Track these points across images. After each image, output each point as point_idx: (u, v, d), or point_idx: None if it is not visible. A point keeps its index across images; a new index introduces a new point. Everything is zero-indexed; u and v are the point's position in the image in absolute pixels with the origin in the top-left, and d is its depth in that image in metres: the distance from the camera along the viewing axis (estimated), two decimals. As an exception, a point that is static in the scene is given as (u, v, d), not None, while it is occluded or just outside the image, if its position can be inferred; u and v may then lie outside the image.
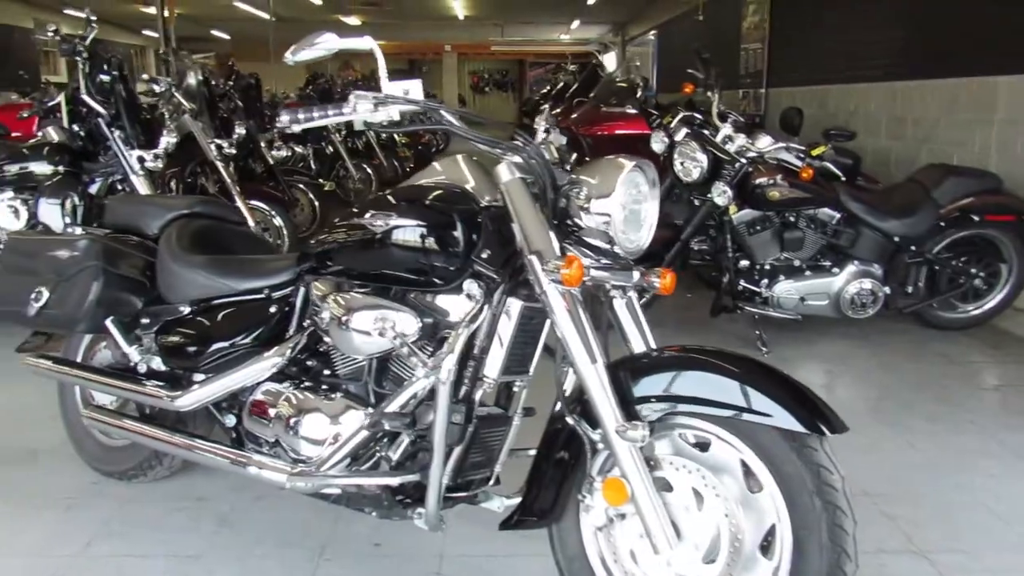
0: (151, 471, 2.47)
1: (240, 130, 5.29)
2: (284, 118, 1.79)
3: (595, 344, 1.64)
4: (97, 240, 2.21)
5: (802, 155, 3.73)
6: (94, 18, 3.90)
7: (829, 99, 7.16)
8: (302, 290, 2.11)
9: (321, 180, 7.17)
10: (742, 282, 3.87)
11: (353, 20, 17.66)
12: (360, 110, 1.77)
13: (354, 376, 1.99)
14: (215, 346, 2.13)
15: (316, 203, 6.38)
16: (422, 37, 21.36)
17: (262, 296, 2.15)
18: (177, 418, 2.29)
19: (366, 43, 1.78)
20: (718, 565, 1.57)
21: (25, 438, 2.90)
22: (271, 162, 6.16)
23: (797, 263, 3.91)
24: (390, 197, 1.90)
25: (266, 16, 14.61)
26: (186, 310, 2.21)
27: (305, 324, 2.11)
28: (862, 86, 6.54)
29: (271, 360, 2.05)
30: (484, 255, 1.79)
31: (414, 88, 1.79)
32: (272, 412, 2.02)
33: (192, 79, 4.79)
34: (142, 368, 2.27)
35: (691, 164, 3.71)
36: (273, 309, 2.12)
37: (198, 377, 2.20)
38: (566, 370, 1.74)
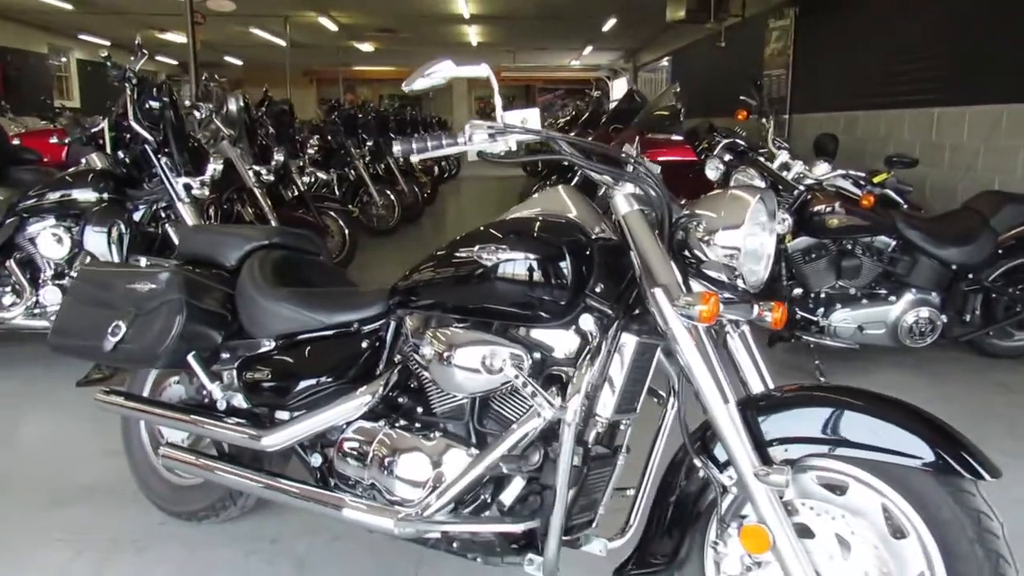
0: (223, 512, 2.38)
1: (279, 156, 5.26)
2: (399, 148, 1.74)
3: (726, 383, 1.57)
4: (178, 272, 2.15)
5: (863, 182, 3.68)
6: (139, 42, 3.86)
7: (857, 125, 7.14)
8: (392, 324, 2.05)
9: (349, 206, 7.12)
10: (798, 311, 3.80)
11: (367, 47, 17.77)
12: (476, 140, 1.72)
13: (453, 414, 1.91)
14: (303, 383, 2.06)
15: (346, 230, 6.33)
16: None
17: (350, 331, 2.08)
18: (253, 457, 2.22)
19: (482, 71, 1.74)
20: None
21: (83, 475, 2.81)
22: (302, 188, 6.13)
23: (853, 291, 3.84)
24: (495, 230, 1.83)
25: (282, 43, 14.68)
26: (271, 345, 2.14)
27: (396, 359, 2.05)
28: (893, 112, 6.52)
29: (363, 398, 1.97)
30: (598, 289, 1.73)
31: (532, 117, 1.75)
32: (366, 452, 1.94)
33: (233, 105, 4.77)
34: (221, 405, 2.19)
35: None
36: (364, 344, 2.05)
37: (281, 415, 2.14)
38: (683, 409, 1.68)
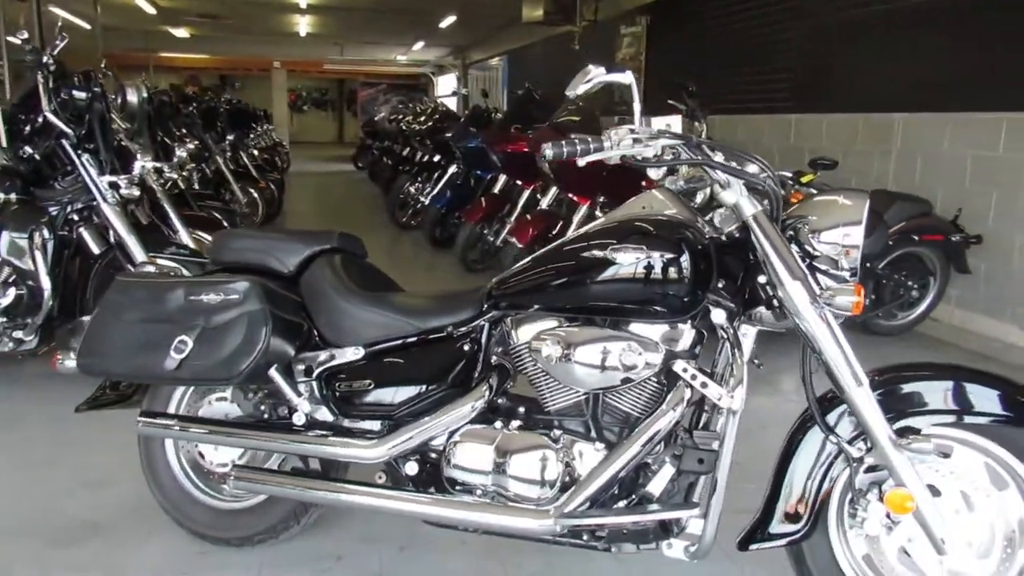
0: (285, 532, 2.25)
1: (181, 153, 4.86)
2: (551, 151, 1.76)
3: (857, 366, 1.76)
4: (257, 282, 2.00)
5: (791, 181, 4.07)
6: (61, 24, 3.46)
7: (714, 130, 7.75)
8: (486, 327, 2.05)
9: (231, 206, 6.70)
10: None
11: (181, 32, 16.57)
12: (622, 145, 1.79)
13: (569, 412, 1.95)
14: (405, 391, 2.02)
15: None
16: (258, 52, 20.44)
17: (443, 335, 2.06)
18: (325, 469, 2.13)
19: (627, 78, 1.81)
20: (992, 560, 1.73)
21: (93, 506, 2.53)
22: (182, 186, 5.69)
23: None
24: (612, 230, 1.90)
25: (86, 25, 13.34)
26: (359, 354, 2.06)
27: (492, 361, 2.06)
28: (751, 117, 7.16)
29: (472, 402, 1.97)
30: (720, 284, 1.86)
31: (675, 123, 1.83)
32: (485, 455, 1.93)
33: (133, 96, 4.34)
34: (300, 419, 2.08)
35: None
36: (462, 348, 2.03)
37: (371, 424, 2.07)
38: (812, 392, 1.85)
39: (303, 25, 16.01)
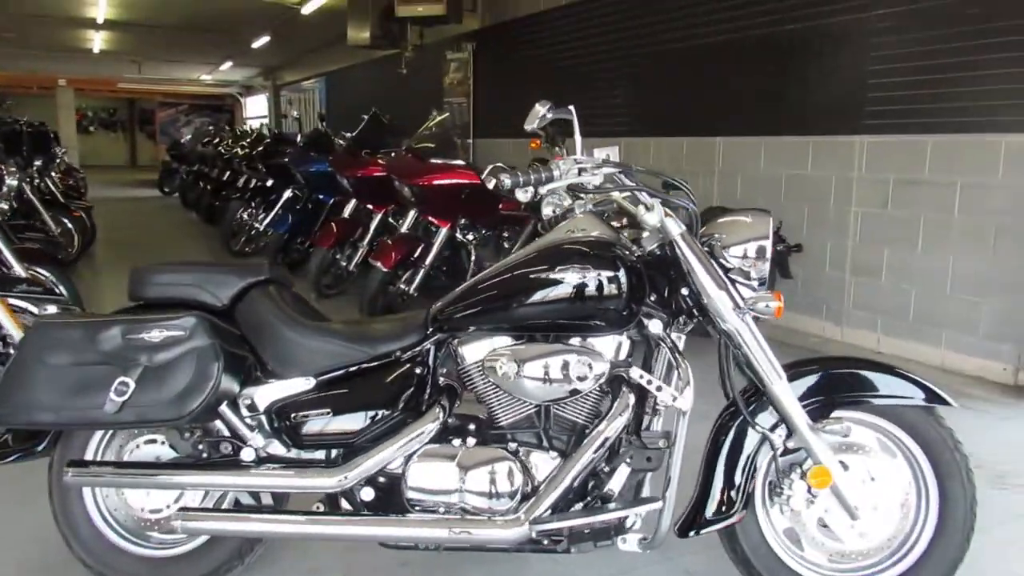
0: (229, 573, 2.16)
1: (10, 181, 4.41)
2: (509, 181, 1.89)
3: (776, 363, 2.02)
4: (203, 316, 1.94)
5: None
6: None
7: (540, 152, 8.15)
8: (431, 349, 2.13)
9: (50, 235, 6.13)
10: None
11: (-52, 46, 14.82)
12: (569, 175, 1.96)
13: (521, 424, 2.06)
14: (360, 418, 2.04)
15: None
16: (41, 68, 18.56)
17: (391, 360, 2.10)
18: (277, 502, 2.10)
19: (569, 113, 2.01)
20: (892, 519, 2.05)
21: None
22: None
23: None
24: (551, 253, 2.04)
25: None
26: (311, 383, 2.05)
27: (440, 382, 2.13)
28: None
29: (427, 424, 2.03)
30: (652, 298, 2.06)
31: (613, 153, 2.01)
32: (447, 473, 2.00)
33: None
34: (249, 455, 2.03)
35: (557, 209, 4.16)
36: (412, 371, 2.09)
37: (320, 454, 2.07)
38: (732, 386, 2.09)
39: (97, 41, 14.88)
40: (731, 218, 2.16)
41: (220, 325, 1.99)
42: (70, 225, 7.43)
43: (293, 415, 2.04)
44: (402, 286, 5.10)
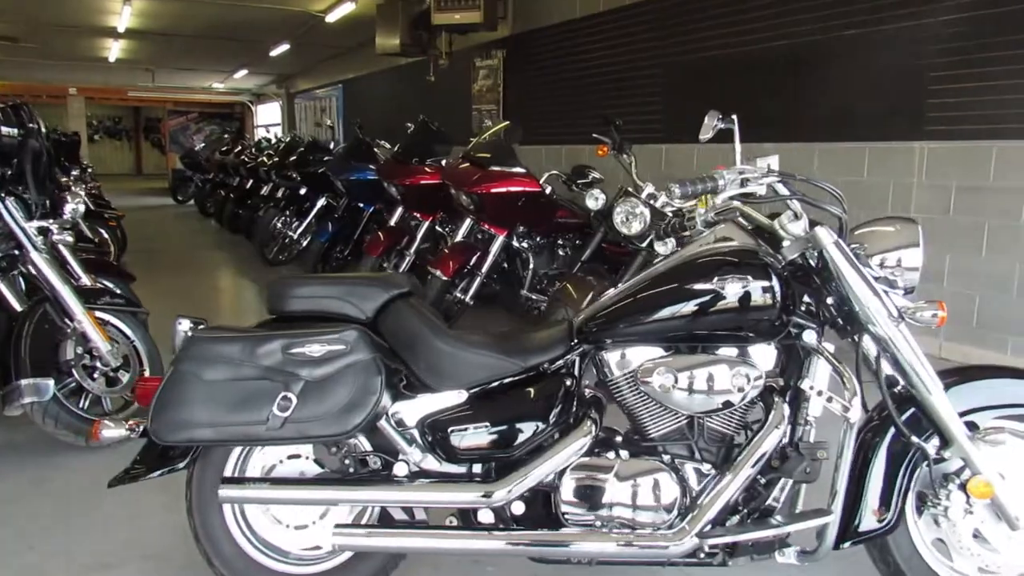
0: (377, 591, 2.14)
1: (76, 205, 4.37)
2: (680, 191, 1.89)
3: (932, 372, 2.00)
4: (363, 330, 1.92)
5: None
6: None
7: (570, 157, 8.12)
8: (576, 360, 2.11)
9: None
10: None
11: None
12: (733, 185, 1.95)
13: (672, 436, 2.04)
14: (512, 430, 2.01)
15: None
16: (55, 78, 18.54)
17: (539, 372, 2.09)
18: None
19: (732, 123, 2.01)
20: (1048, 530, 2.03)
21: None
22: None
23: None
24: (702, 263, 2.03)
25: None
26: (463, 397, 2.03)
27: (587, 394, 2.11)
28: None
29: (582, 436, 2.01)
30: (803, 307, 2.05)
31: (774, 162, 2.00)
32: (601, 487, 1.98)
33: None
34: (403, 469, 2.01)
35: (633, 218, 4.15)
36: (566, 383, 2.07)
37: (473, 468, 2.05)
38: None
39: (115, 50, 14.85)
40: (875, 227, 2.15)
41: (376, 339, 1.97)
42: (106, 235, 7.41)
43: (449, 429, 2.01)
44: (458, 294, 5.08)
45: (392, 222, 6.31)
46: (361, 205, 7.17)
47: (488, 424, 2.02)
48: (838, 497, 1.94)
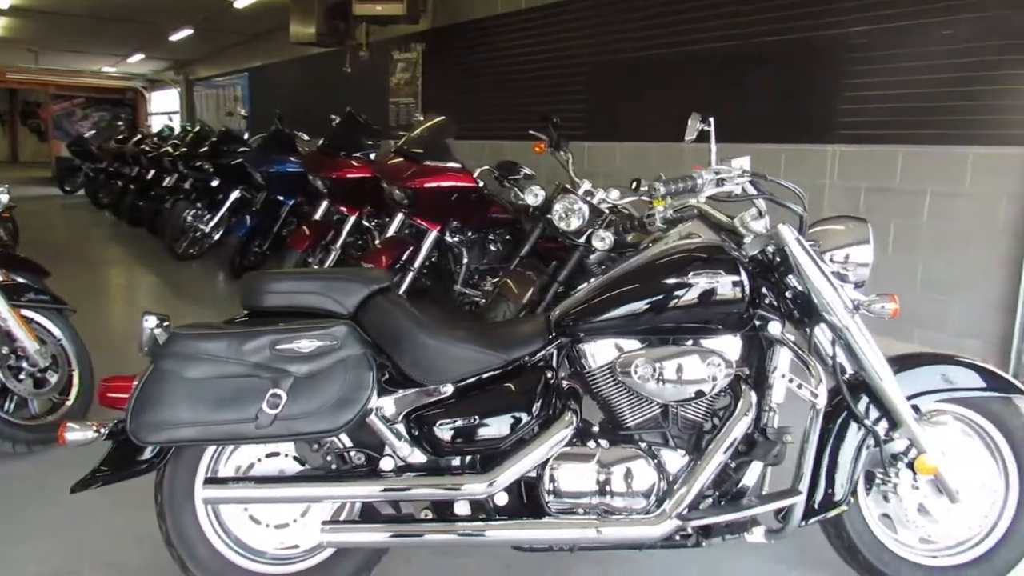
0: (355, 587, 2.13)
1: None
2: (663, 189, 1.95)
3: (884, 360, 2.16)
4: (352, 325, 1.91)
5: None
6: None
7: (493, 153, 8.17)
8: (554, 353, 2.17)
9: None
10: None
11: None
12: (709, 184, 2.05)
13: (647, 424, 2.13)
14: (497, 423, 2.05)
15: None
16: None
17: (521, 365, 2.13)
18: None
19: (709, 125, 2.09)
20: (990, 499, 2.22)
21: None
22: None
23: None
24: (673, 259, 2.12)
25: None
26: (449, 390, 2.05)
27: (564, 385, 2.17)
28: (519, 143, 7.60)
29: (565, 427, 2.07)
30: (767, 300, 2.17)
31: (746, 163, 2.10)
32: (585, 474, 2.04)
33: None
34: (389, 464, 2.01)
35: (572, 214, 4.24)
36: (547, 375, 2.12)
37: (455, 461, 2.07)
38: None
39: (-3, 28, 13.87)
40: (827, 226, 2.30)
41: (362, 334, 1.96)
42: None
43: (437, 423, 2.03)
44: (391, 289, 5.04)
45: (317, 216, 6.19)
46: (281, 198, 7.00)
47: (476, 417, 2.04)
48: (805, 477, 2.07)
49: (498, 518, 2.06)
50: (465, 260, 5.23)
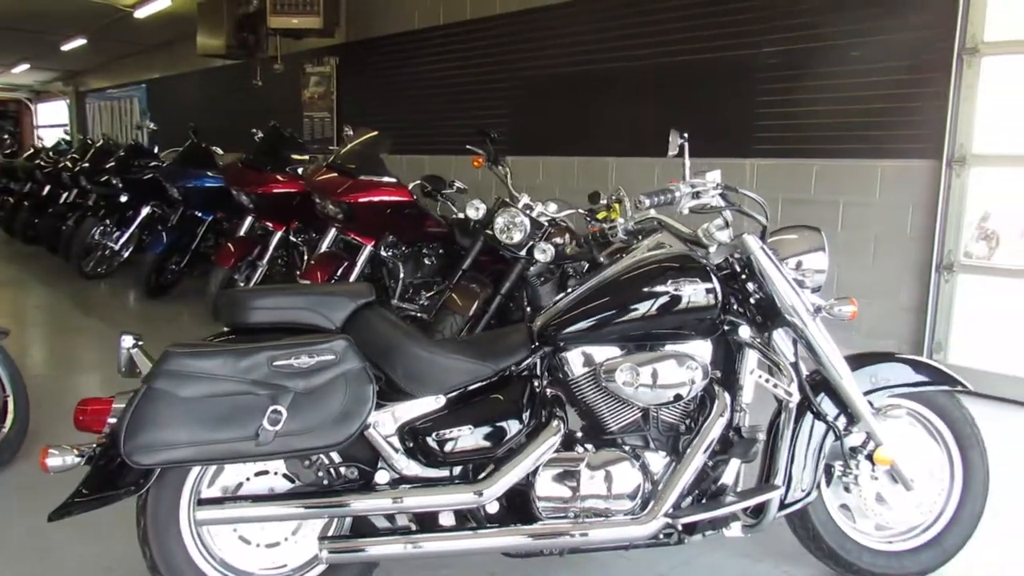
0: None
1: None
2: (648, 200, 2.04)
3: (843, 359, 2.32)
4: (350, 339, 1.90)
5: (587, 217, 4.65)
6: None
7: (413, 167, 8.15)
8: (538, 362, 2.22)
9: None
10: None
11: None
12: (686, 196, 2.16)
13: (628, 428, 2.21)
14: (488, 432, 2.08)
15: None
16: None
17: (507, 375, 2.17)
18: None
19: (683, 139, 2.18)
20: (938, 486, 2.40)
21: None
22: None
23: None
24: (649, 268, 2.21)
25: None
26: (441, 402, 2.06)
27: (548, 393, 2.22)
28: (451, 157, 7.66)
29: (554, 434, 2.12)
30: (735, 306, 2.30)
31: (717, 176, 2.22)
32: (575, 478, 2.10)
33: None
34: (384, 477, 2.01)
35: (513, 228, 4.30)
36: (534, 383, 2.17)
37: (445, 471, 2.09)
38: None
39: None
40: (784, 235, 2.45)
41: (357, 348, 1.96)
42: None
43: (431, 434, 2.04)
44: (327, 305, 4.96)
45: (242, 232, 6.03)
46: (199, 214, 6.78)
47: (470, 427, 2.07)
48: (781, 472, 2.19)
49: (489, 526, 2.09)
50: (401, 275, 5.21)
